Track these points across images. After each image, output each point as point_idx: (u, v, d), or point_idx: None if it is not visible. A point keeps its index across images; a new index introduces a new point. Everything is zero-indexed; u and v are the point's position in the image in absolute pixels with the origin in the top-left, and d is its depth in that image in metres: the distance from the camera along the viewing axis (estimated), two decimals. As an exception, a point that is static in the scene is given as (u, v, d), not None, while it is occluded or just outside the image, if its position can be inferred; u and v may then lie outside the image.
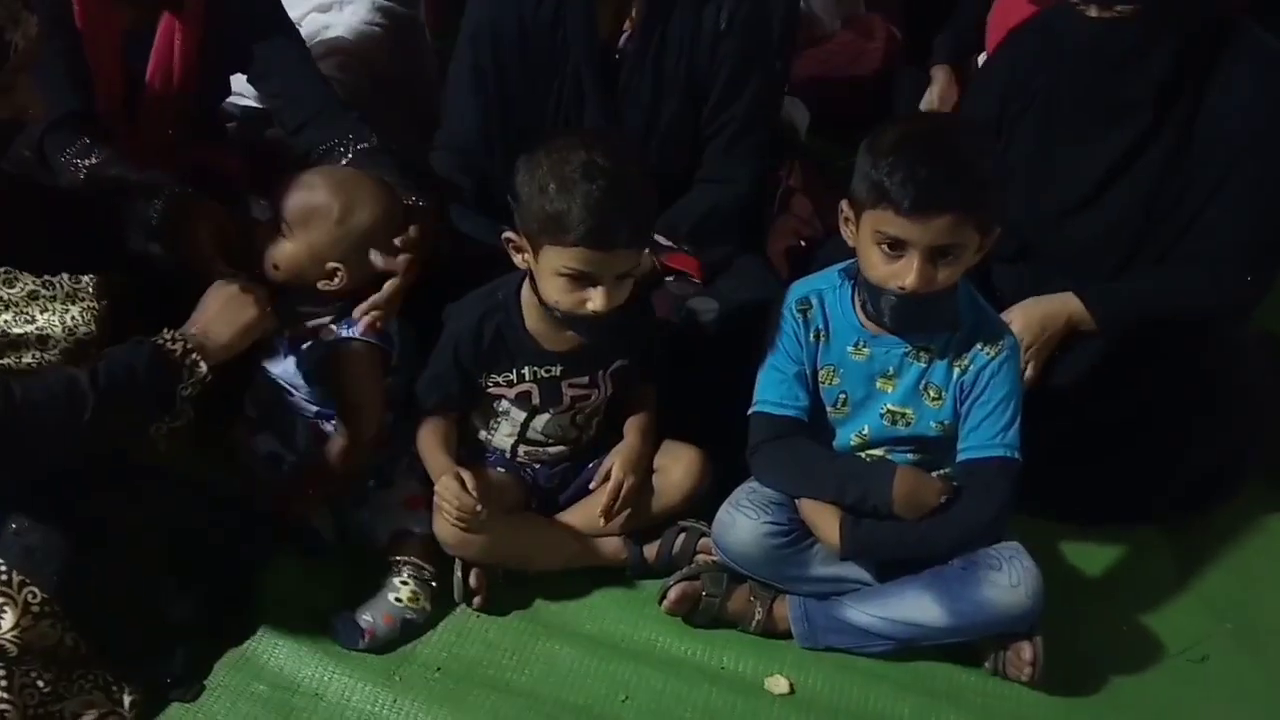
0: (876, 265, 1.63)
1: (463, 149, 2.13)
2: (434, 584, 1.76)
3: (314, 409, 1.84)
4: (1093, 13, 1.93)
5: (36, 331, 1.54)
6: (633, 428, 1.86)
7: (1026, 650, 1.71)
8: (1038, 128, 2.11)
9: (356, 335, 1.78)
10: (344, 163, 1.89)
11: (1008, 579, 1.68)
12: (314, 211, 1.74)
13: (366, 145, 1.91)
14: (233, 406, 1.88)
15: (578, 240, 1.57)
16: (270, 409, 1.87)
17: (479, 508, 1.68)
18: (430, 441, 1.78)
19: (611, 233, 1.58)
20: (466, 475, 1.71)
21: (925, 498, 1.70)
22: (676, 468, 1.85)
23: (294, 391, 1.84)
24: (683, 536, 1.84)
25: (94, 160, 1.83)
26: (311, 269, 1.75)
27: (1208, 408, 2.03)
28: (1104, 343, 2.02)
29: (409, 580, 1.75)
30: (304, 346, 1.80)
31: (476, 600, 1.76)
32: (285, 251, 1.74)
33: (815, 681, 1.73)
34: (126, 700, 1.56)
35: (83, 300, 1.64)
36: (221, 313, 1.65)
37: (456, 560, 1.76)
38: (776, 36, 2.09)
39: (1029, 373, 1.96)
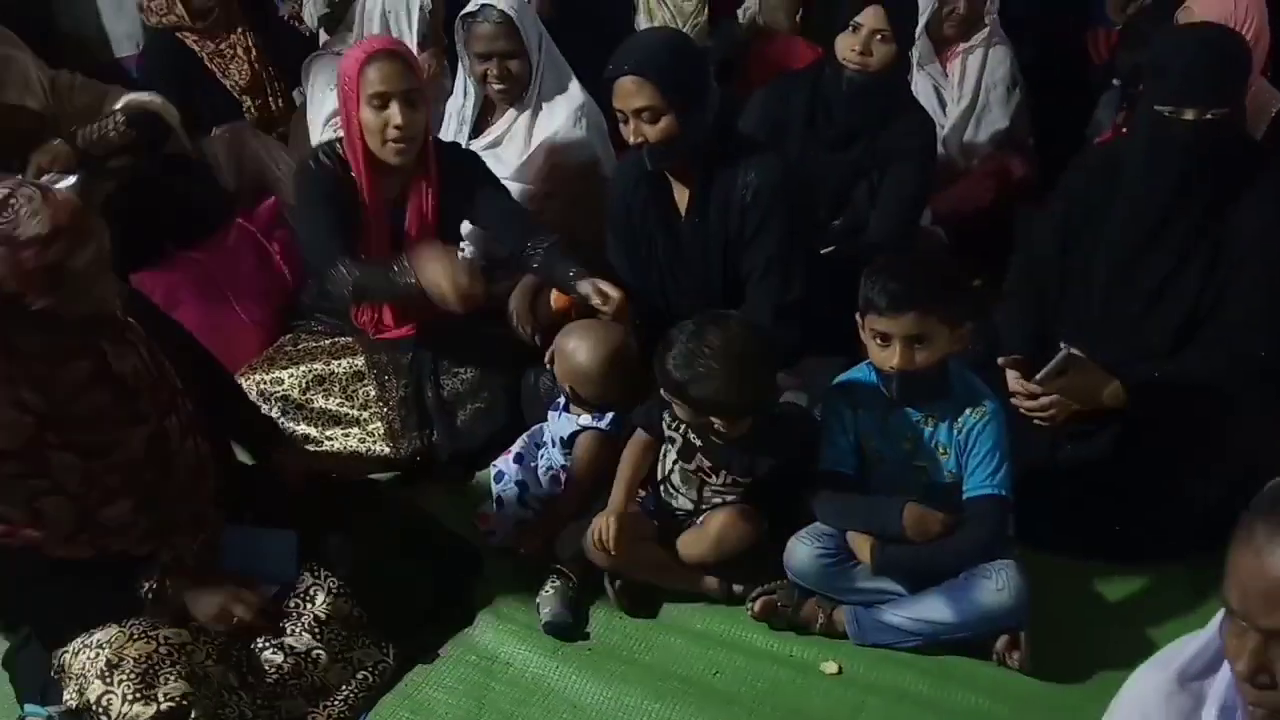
0: (875, 353, 2.27)
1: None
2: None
3: (561, 461, 2.68)
4: (1189, 115, 2.36)
5: None
6: None
7: (1016, 642, 2.23)
8: (1100, 238, 2.60)
9: (602, 426, 2.64)
10: (534, 259, 2.84)
11: (995, 584, 2.21)
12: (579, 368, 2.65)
13: (547, 243, 2.83)
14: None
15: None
16: (532, 451, 2.75)
17: (614, 552, 2.39)
18: (623, 471, 2.49)
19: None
20: (625, 520, 2.40)
21: (928, 527, 2.26)
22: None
23: (552, 444, 2.70)
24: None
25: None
26: None
27: (1221, 456, 2.48)
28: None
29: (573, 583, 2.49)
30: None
31: (618, 601, 2.46)
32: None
33: (859, 666, 2.30)
34: (391, 654, 2.35)
35: None
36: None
37: (606, 573, 2.48)
38: (786, 204, 2.70)
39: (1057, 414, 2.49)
